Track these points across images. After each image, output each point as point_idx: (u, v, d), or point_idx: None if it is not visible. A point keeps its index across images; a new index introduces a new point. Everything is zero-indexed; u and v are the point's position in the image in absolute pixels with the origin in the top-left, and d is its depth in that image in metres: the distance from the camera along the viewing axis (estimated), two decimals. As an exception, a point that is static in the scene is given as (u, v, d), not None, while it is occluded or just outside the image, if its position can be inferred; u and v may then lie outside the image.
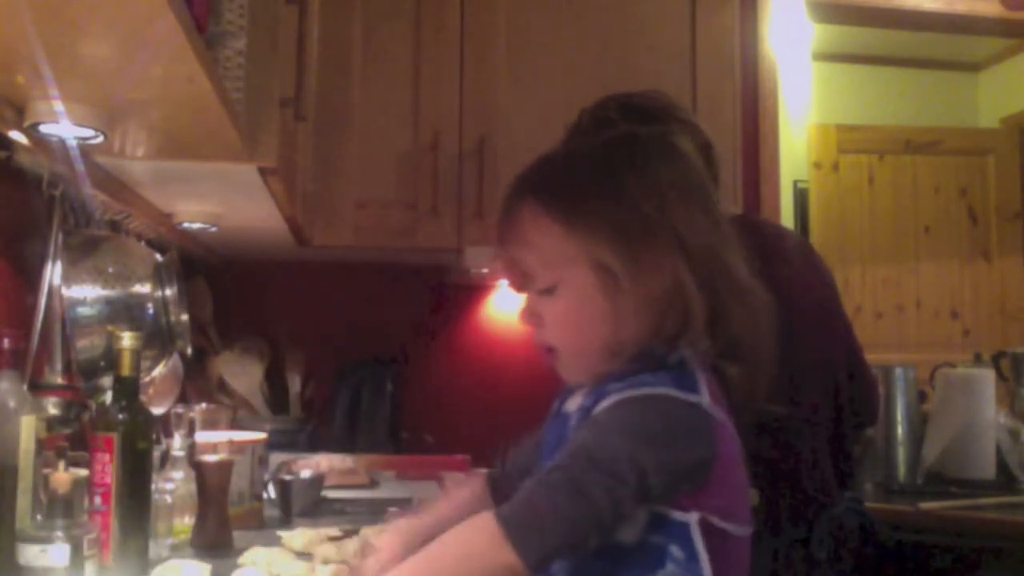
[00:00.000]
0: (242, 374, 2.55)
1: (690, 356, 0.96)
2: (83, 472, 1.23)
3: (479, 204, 2.37)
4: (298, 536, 1.50)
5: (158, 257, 1.53)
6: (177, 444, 1.57)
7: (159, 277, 1.48)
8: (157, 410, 1.79)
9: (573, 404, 1.03)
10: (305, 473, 1.94)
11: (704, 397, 0.94)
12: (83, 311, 1.40)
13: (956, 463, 2.25)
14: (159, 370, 1.56)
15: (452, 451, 2.47)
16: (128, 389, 1.25)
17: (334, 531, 1.56)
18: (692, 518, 0.92)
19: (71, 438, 1.38)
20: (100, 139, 1.22)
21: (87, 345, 1.39)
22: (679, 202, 0.98)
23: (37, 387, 1.38)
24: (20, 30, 0.90)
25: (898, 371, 2.32)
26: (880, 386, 2.25)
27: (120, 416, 1.23)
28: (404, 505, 1.94)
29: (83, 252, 1.44)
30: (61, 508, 1.07)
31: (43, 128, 1.17)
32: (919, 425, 2.32)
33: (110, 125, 1.21)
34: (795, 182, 4.21)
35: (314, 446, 2.47)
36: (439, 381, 2.76)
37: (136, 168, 1.55)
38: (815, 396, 1.58)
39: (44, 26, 0.90)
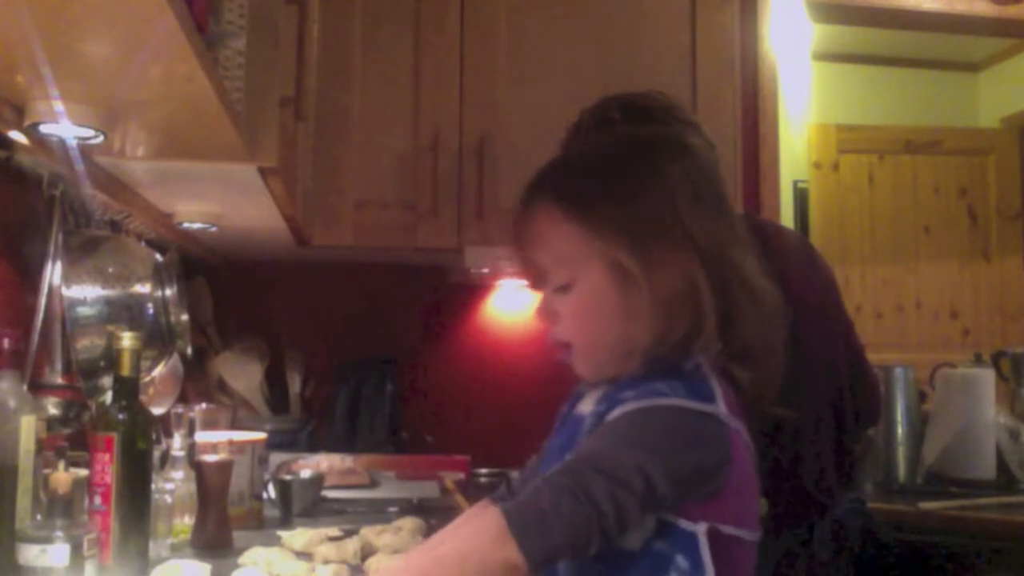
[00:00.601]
0: (242, 374, 2.55)
1: (704, 362, 0.97)
2: (83, 472, 1.23)
3: (479, 204, 2.37)
4: (298, 536, 1.50)
5: (158, 257, 1.53)
6: (177, 444, 1.58)
7: (159, 277, 1.48)
8: (157, 410, 1.79)
9: (586, 407, 1.03)
10: (305, 473, 1.94)
11: (720, 406, 0.95)
12: (83, 311, 1.40)
13: (956, 463, 2.25)
14: (159, 370, 1.56)
15: (452, 451, 2.47)
16: (128, 389, 1.25)
17: (334, 531, 1.56)
18: (700, 528, 0.92)
19: (71, 438, 1.38)
20: (100, 139, 1.22)
21: (87, 345, 1.39)
22: (693, 203, 0.99)
23: (37, 387, 1.38)
24: (20, 30, 0.90)
25: (898, 371, 2.32)
26: (880, 386, 2.25)
27: (120, 416, 1.23)
28: (404, 505, 1.94)
29: (83, 252, 1.44)
30: (61, 508, 1.07)
31: (43, 128, 1.17)
32: (919, 425, 2.32)
33: (110, 125, 1.21)
34: (795, 182, 4.21)
35: (314, 446, 2.47)
36: (439, 381, 2.76)
37: (136, 168, 1.55)
38: (817, 397, 1.58)
39: (44, 26, 0.90)
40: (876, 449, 2.32)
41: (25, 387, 1.18)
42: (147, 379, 1.53)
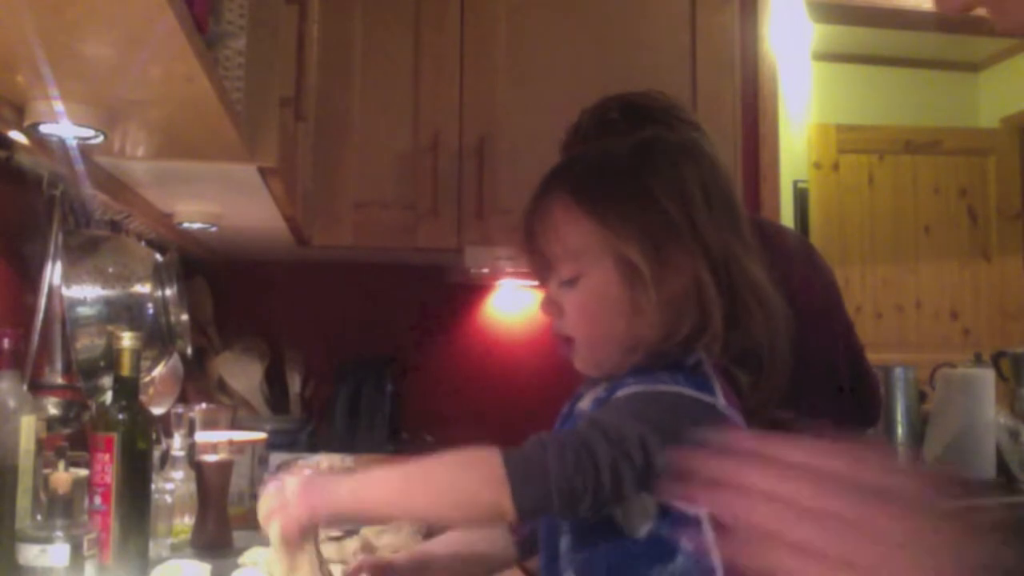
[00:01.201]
0: (242, 374, 2.55)
1: (706, 359, 0.98)
2: (83, 472, 1.23)
3: (479, 204, 2.37)
4: (298, 536, 1.50)
5: (158, 257, 1.53)
6: (177, 444, 1.58)
7: (159, 277, 1.48)
8: (157, 410, 1.78)
9: (586, 405, 1.03)
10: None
11: (719, 399, 0.96)
12: (83, 311, 1.40)
13: (956, 463, 2.25)
14: (159, 370, 1.56)
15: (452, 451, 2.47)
16: (128, 389, 1.26)
17: (334, 531, 1.56)
18: (704, 513, 0.92)
19: (71, 438, 1.38)
20: (100, 139, 1.22)
21: (87, 345, 1.39)
22: (704, 206, 1.00)
23: (37, 387, 1.38)
24: (20, 30, 0.90)
25: (898, 371, 2.32)
26: (880, 387, 2.25)
27: (120, 416, 1.23)
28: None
29: (83, 252, 1.44)
30: (61, 508, 1.07)
31: (43, 128, 1.17)
32: (919, 425, 2.32)
33: (110, 125, 1.20)
34: (795, 182, 4.21)
35: (314, 446, 2.46)
36: (439, 381, 2.76)
37: (136, 168, 1.55)
38: (816, 398, 1.58)
39: (44, 26, 0.90)
40: (876, 449, 2.32)
41: (25, 387, 1.18)
42: (147, 379, 1.53)
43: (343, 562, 1.38)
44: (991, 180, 4.38)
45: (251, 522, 1.67)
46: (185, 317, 1.56)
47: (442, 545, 1.18)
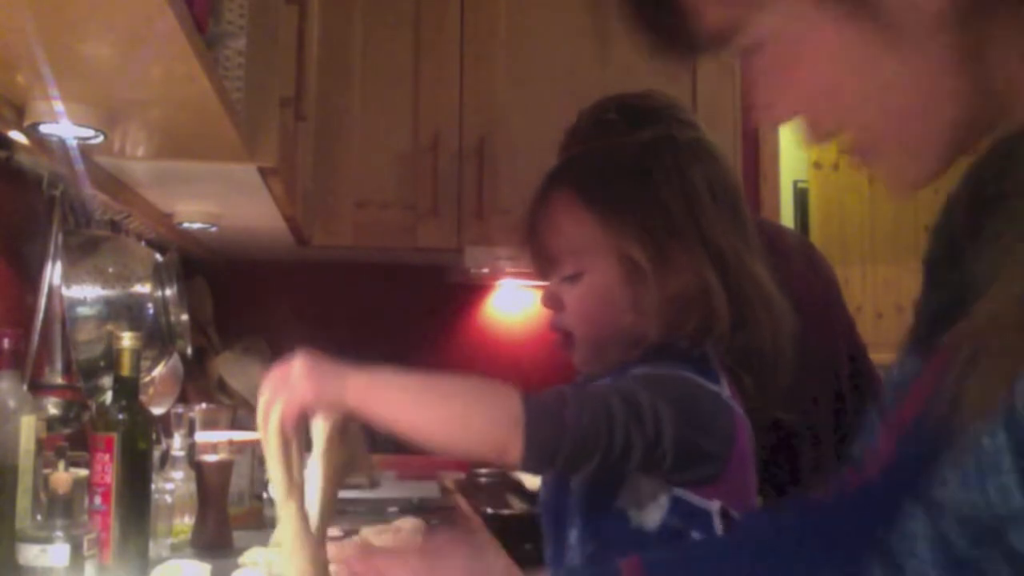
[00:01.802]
0: (242, 374, 2.55)
1: (711, 355, 0.98)
2: (83, 472, 1.23)
3: (479, 204, 2.37)
4: (298, 536, 1.50)
5: (158, 257, 1.53)
6: (177, 444, 1.57)
7: (159, 277, 1.48)
8: (157, 410, 1.78)
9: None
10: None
11: (724, 390, 0.96)
12: (83, 311, 1.40)
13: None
14: (159, 370, 1.56)
15: (452, 451, 2.47)
16: (128, 389, 1.25)
17: (334, 531, 1.55)
18: (714, 506, 0.93)
19: (71, 438, 1.38)
20: (100, 139, 1.22)
21: (87, 345, 1.39)
22: (710, 205, 1.00)
23: (37, 387, 1.38)
24: (20, 30, 0.90)
25: (898, 371, 2.32)
26: (883, 386, 2.25)
27: (120, 416, 1.23)
28: (404, 505, 1.94)
29: (83, 252, 1.44)
30: (61, 508, 1.07)
31: (43, 128, 1.17)
32: (919, 425, 2.32)
33: (110, 125, 1.21)
34: (795, 182, 4.21)
35: (314, 446, 2.46)
36: (439, 381, 2.76)
37: (136, 168, 1.55)
38: (817, 397, 1.58)
39: (44, 26, 0.90)
40: (876, 449, 2.32)
41: (25, 387, 1.18)
42: (147, 379, 1.53)
43: (343, 562, 1.38)
44: (991, 180, 4.38)
45: (251, 522, 1.67)
46: (185, 317, 1.56)
47: None
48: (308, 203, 2.16)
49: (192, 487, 1.52)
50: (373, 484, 2.18)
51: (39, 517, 1.09)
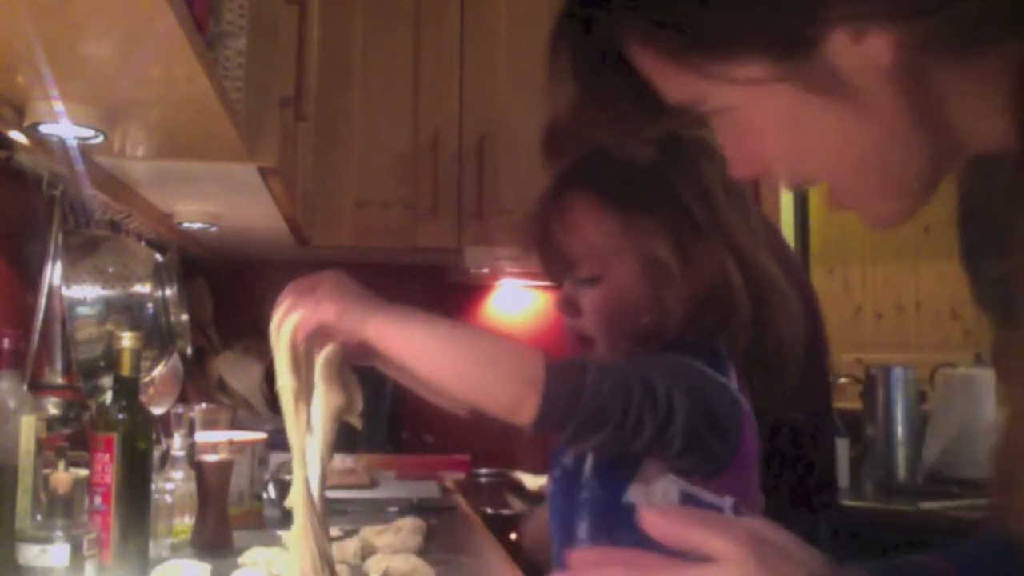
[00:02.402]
0: (242, 374, 2.55)
1: (723, 350, 0.98)
2: (83, 472, 1.23)
3: (479, 204, 2.37)
4: (298, 536, 1.50)
5: (158, 257, 1.53)
6: (177, 444, 1.57)
7: (159, 277, 1.48)
8: (157, 410, 1.78)
9: None
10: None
11: (732, 383, 0.96)
12: (83, 311, 1.40)
13: (956, 463, 2.25)
14: (159, 370, 1.56)
15: (452, 451, 2.47)
16: (128, 389, 1.25)
17: (334, 531, 1.55)
18: (727, 502, 0.93)
19: (71, 438, 1.38)
20: (100, 139, 1.22)
21: (87, 345, 1.39)
22: (724, 202, 1.00)
23: (37, 387, 1.38)
24: (20, 30, 0.90)
25: (898, 371, 2.33)
26: (879, 387, 2.26)
27: (120, 416, 1.23)
28: (404, 505, 1.94)
29: (83, 252, 1.44)
30: (61, 508, 1.07)
31: (43, 128, 1.17)
32: (919, 425, 2.32)
33: (110, 125, 1.21)
34: (795, 182, 4.21)
35: (314, 446, 2.46)
36: (439, 381, 2.75)
37: (136, 168, 1.55)
38: (817, 396, 1.58)
39: (44, 26, 0.90)
40: (876, 449, 2.32)
41: (25, 387, 1.18)
42: (147, 379, 1.53)
43: (343, 562, 1.38)
44: (991, 180, 4.38)
45: (251, 522, 1.67)
46: (185, 317, 1.56)
47: None
48: (308, 203, 2.16)
49: (192, 487, 1.52)
50: (373, 484, 2.18)
51: (39, 517, 1.09)
